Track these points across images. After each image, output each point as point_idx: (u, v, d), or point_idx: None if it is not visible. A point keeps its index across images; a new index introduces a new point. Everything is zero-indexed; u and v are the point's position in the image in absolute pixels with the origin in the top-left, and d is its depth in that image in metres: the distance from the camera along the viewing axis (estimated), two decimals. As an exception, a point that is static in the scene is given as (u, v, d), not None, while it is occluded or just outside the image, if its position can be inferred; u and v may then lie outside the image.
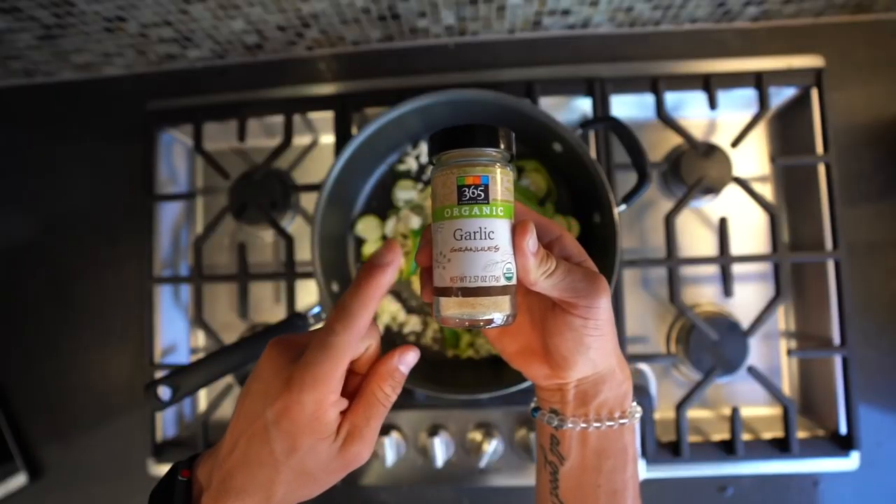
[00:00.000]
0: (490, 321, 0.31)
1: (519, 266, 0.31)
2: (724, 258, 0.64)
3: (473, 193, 0.30)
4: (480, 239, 0.30)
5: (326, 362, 0.30)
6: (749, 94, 0.66)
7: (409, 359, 0.35)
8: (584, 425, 0.35)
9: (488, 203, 0.30)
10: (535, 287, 0.32)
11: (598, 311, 0.32)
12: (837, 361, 0.62)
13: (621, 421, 0.35)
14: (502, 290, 0.31)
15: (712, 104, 0.65)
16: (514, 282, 0.31)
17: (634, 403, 0.37)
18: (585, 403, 0.35)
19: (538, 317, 0.36)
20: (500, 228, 0.30)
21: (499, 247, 0.30)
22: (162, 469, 0.67)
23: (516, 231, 0.31)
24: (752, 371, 0.63)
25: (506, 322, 0.31)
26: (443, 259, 0.31)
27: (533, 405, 0.39)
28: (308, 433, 0.31)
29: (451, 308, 0.31)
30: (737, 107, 0.68)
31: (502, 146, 0.31)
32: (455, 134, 0.31)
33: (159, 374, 0.66)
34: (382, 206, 0.66)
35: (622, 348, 0.62)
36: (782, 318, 0.69)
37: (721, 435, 0.64)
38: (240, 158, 0.76)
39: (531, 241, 0.30)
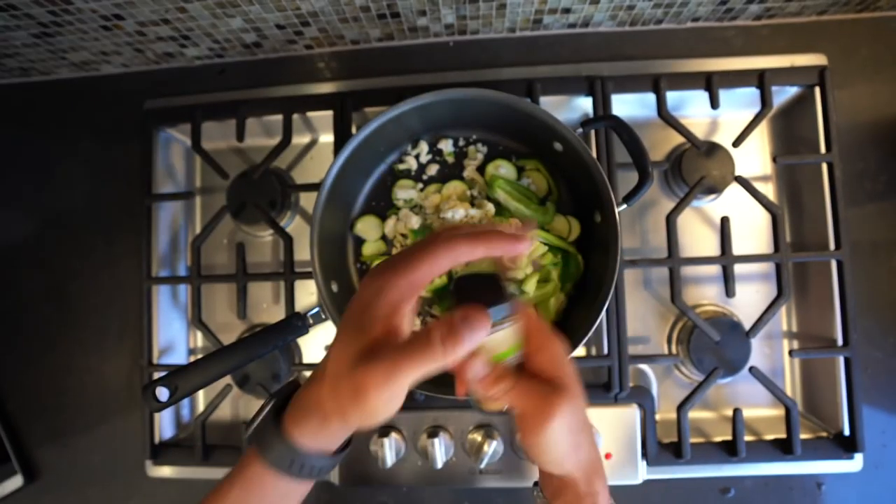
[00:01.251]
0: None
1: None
2: (725, 258, 0.64)
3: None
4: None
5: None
6: (751, 92, 0.66)
7: (472, 320, 0.32)
8: None
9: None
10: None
11: (538, 438, 0.35)
12: (840, 362, 0.62)
13: None
14: None
15: (714, 103, 0.65)
16: None
17: None
18: (554, 498, 0.40)
19: None
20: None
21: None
22: (160, 470, 0.66)
23: (461, 362, 0.33)
24: (754, 372, 0.62)
25: None
26: None
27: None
28: (348, 318, 0.34)
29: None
30: (739, 106, 0.68)
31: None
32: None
33: (157, 375, 0.65)
34: (382, 205, 0.66)
35: (624, 349, 0.62)
36: (785, 319, 0.69)
37: (723, 436, 0.64)
38: (238, 158, 0.75)
39: (473, 370, 0.34)
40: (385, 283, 0.33)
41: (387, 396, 0.30)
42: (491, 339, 0.35)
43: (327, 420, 0.35)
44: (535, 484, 0.44)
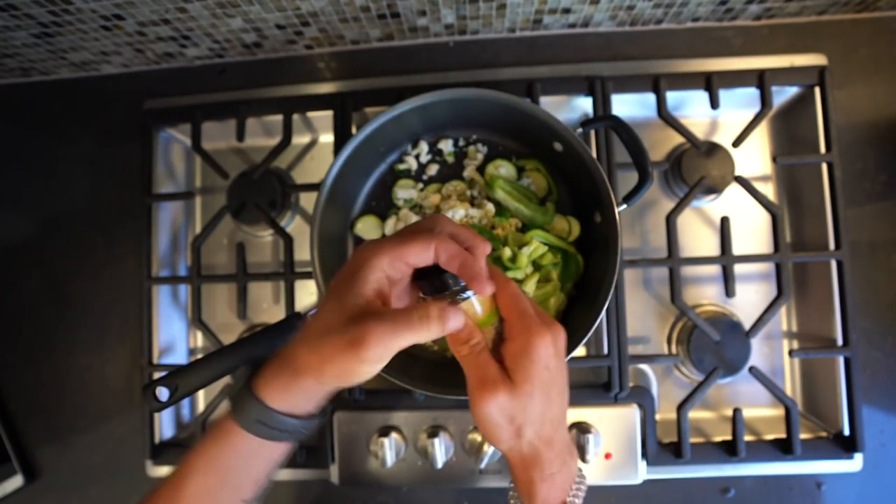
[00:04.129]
0: None
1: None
2: (725, 258, 0.64)
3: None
4: None
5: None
6: (751, 92, 0.66)
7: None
8: None
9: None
10: None
11: (474, 411, 0.38)
12: (840, 362, 0.62)
13: None
14: None
15: (714, 103, 0.65)
16: None
17: None
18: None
19: None
20: None
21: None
22: (160, 470, 0.66)
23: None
24: (754, 372, 0.62)
25: None
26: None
27: None
28: (338, 283, 0.36)
29: None
30: (739, 106, 0.68)
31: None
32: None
33: (157, 375, 0.66)
34: (382, 205, 0.66)
35: (624, 349, 0.62)
36: (784, 319, 0.69)
37: (723, 436, 0.64)
38: (238, 158, 0.75)
39: (455, 319, 0.37)
40: (372, 255, 0.36)
41: (379, 353, 0.34)
42: (465, 304, 0.39)
43: (298, 376, 0.36)
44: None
